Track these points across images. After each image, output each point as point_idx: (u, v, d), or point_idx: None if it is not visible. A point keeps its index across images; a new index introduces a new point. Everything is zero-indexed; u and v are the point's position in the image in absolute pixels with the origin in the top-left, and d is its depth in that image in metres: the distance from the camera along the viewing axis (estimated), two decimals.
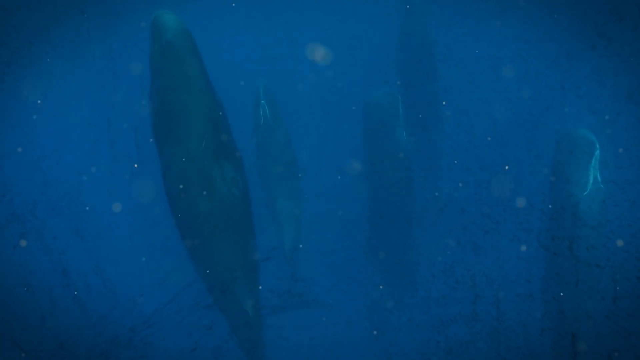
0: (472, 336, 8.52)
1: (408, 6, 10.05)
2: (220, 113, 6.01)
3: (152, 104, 5.87)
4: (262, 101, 8.80)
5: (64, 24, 10.34)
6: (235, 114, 6.99)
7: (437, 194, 9.78)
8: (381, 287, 9.24)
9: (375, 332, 9.39)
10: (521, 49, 10.80)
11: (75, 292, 8.95)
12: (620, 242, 7.48)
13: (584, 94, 10.23)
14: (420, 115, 9.59)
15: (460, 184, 9.90)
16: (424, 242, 9.33)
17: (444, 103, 9.83)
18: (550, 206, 7.61)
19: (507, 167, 10.06)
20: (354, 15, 13.25)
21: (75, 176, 10.60)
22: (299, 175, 9.24)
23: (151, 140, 6.09)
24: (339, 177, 10.93)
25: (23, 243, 9.17)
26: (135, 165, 10.45)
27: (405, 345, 9.03)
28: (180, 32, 5.62)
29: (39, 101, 10.18)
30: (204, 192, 5.88)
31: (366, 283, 9.55)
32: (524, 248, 8.86)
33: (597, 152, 7.19)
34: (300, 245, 9.44)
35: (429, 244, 9.46)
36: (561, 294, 7.55)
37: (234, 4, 12.54)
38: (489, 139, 10.51)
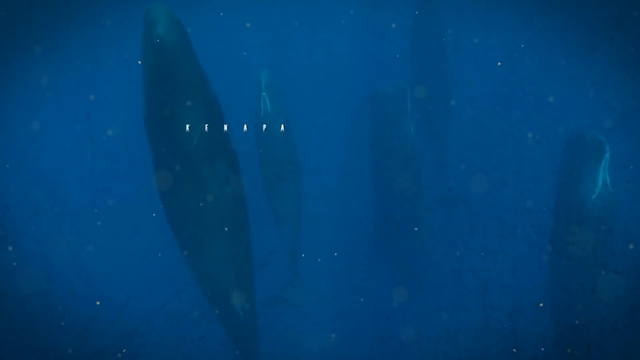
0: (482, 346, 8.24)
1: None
2: (215, 109, 5.88)
3: (143, 100, 5.75)
4: (263, 93, 8.40)
5: (47, 15, 9.96)
6: (237, 109, 6.81)
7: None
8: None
9: (378, 343, 9.05)
10: (535, 41, 10.43)
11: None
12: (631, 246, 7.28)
13: (601, 88, 9.88)
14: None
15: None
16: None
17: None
18: (557, 208, 7.28)
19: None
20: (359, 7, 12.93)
21: (57, 175, 10.28)
22: (301, 174, 8.89)
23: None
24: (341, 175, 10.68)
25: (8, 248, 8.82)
26: None
27: (411, 356, 8.72)
28: (172, 26, 5.43)
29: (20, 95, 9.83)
30: (195, 191, 5.83)
31: (369, 290, 9.29)
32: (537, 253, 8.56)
33: (607, 155, 6.88)
34: (303, 255, 9.11)
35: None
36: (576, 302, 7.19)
37: None
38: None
